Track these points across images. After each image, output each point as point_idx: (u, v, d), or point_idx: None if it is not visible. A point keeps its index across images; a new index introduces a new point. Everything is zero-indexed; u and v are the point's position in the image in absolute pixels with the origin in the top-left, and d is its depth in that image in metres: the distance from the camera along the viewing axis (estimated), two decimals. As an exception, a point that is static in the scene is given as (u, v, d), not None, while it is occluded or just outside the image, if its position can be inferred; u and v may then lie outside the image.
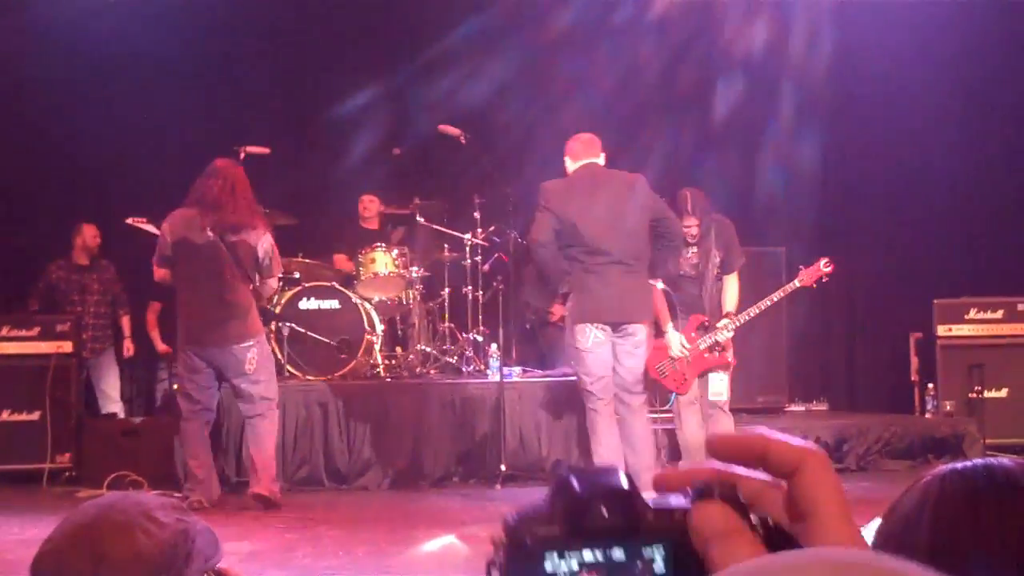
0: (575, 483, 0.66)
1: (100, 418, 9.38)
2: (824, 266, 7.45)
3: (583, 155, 7.04)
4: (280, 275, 7.81)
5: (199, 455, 7.26)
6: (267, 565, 5.69)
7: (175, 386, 8.76)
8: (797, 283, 7.48)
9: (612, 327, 6.82)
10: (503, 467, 8.15)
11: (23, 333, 8.84)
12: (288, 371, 8.68)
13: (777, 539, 0.66)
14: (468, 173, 9.47)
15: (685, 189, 7.50)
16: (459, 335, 9.65)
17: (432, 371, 9.32)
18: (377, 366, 8.99)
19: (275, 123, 10.40)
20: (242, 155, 9.05)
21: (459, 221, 9.65)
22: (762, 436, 0.68)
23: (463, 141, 8.91)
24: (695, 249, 7.47)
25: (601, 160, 7.10)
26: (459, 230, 9.55)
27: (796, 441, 0.67)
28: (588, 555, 0.65)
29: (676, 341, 7.44)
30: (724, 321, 7.45)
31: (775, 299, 7.56)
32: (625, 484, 0.66)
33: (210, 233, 7.14)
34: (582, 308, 6.83)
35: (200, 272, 7.17)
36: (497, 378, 8.62)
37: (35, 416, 8.65)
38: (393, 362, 9.18)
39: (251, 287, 7.33)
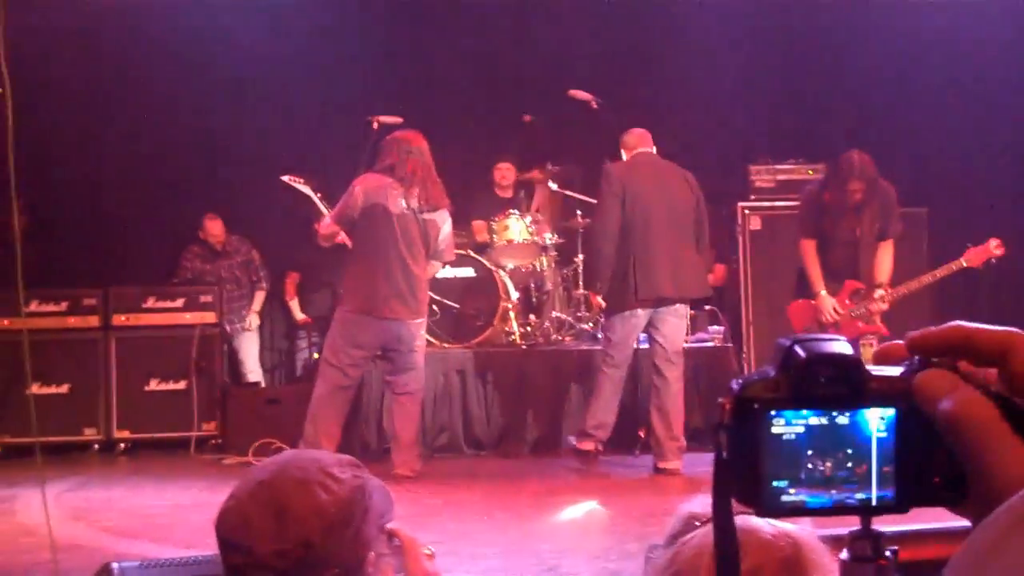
0: (800, 350, 0.68)
1: (244, 387, 9.57)
2: (995, 248, 7.16)
3: (638, 145, 7.55)
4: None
5: (331, 431, 7.13)
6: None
7: (315, 355, 8.89)
8: (964, 263, 7.22)
9: (664, 302, 7.31)
10: (641, 433, 8.08)
11: (168, 304, 9.08)
12: (426, 339, 8.72)
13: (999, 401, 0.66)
14: (600, 138, 9.36)
15: (852, 152, 7.30)
16: (594, 301, 9.57)
17: (567, 338, 9.28)
18: (513, 333, 8.99)
19: (405, 91, 10.43)
20: (375, 125, 9.10)
21: (592, 187, 9.57)
22: (959, 326, 0.68)
23: (594, 106, 8.84)
24: (856, 214, 7.27)
25: (654, 151, 7.62)
26: (592, 196, 9.46)
27: (997, 327, 0.67)
28: (812, 418, 0.68)
29: (828, 305, 7.30)
30: (880, 292, 7.26)
31: (938, 275, 7.33)
32: (849, 351, 0.69)
33: (406, 205, 7.10)
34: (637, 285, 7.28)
35: (391, 241, 7.06)
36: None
37: (182, 385, 8.88)
38: (528, 329, 9.17)
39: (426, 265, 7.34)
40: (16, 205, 4.06)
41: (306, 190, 7.75)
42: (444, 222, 7.34)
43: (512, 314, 8.97)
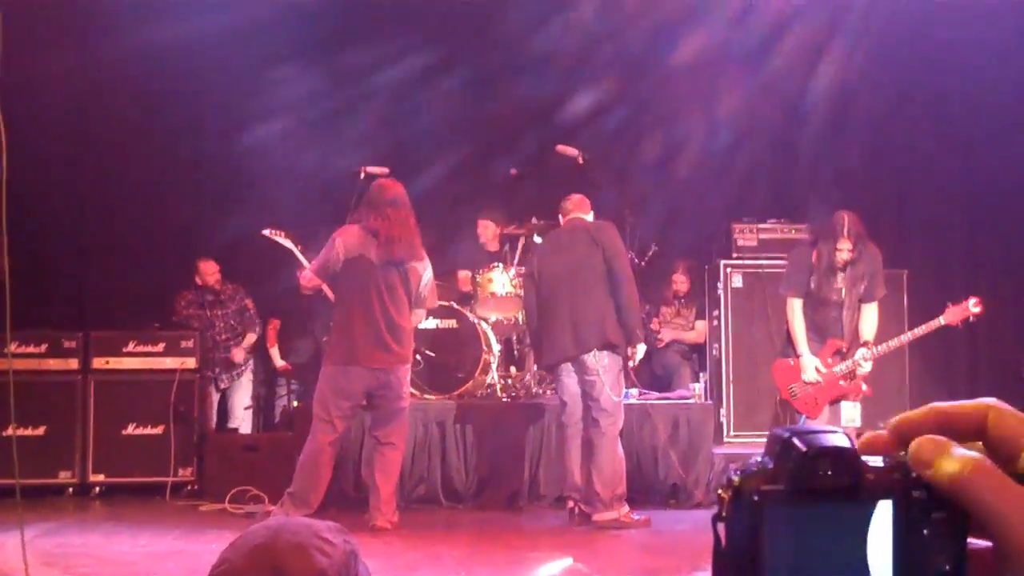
0: (799, 443, 0.68)
1: (221, 433, 9.53)
2: (973, 306, 7.26)
3: (572, 211, 7.83)
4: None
5: (319, 487, 7.09)
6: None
7: (295, 403, 8.86)
8: (942, 321, 7.31)
9: (569, 359, 7.47)
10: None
11: (149, 348, 9.05)
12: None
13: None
14: (586, 193, 9.42)
15: (842, 211, 7.38)
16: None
17: (548, 391, 9.26)
18: (493, 386, 8.99)
19: (393, 142, 10.49)
20: (362, 174, 9.15)
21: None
22: (936, 407, 0.70)
23: (581, 162, 8.90)
24: (843, 274, 7.34)
25: (589, 217, 7.87)
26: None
27: (968, 401, 0.70)
28: (811, 510, 0.68)
29: (811, 365, 7.35)
30: (863, 351, 7.32)
31: (918, 333, 7.41)
32: (847, 444, 0.68)
33: (388, 256, 7.12)
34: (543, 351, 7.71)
35: (372, 292, 7.08)
36: (615, 400, 8.54)
37: (159, 430, 8.84)
38: (509, 382, 9.17)
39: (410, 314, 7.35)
40: (4, 246, 4.05)
41: (287, 243, 7.76)
42: (425, 269, 7.37)
43: (493, 366, 8.98)
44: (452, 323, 8.92)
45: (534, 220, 9.81)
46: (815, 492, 0.68)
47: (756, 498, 0.68)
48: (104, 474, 8.78)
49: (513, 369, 9.44)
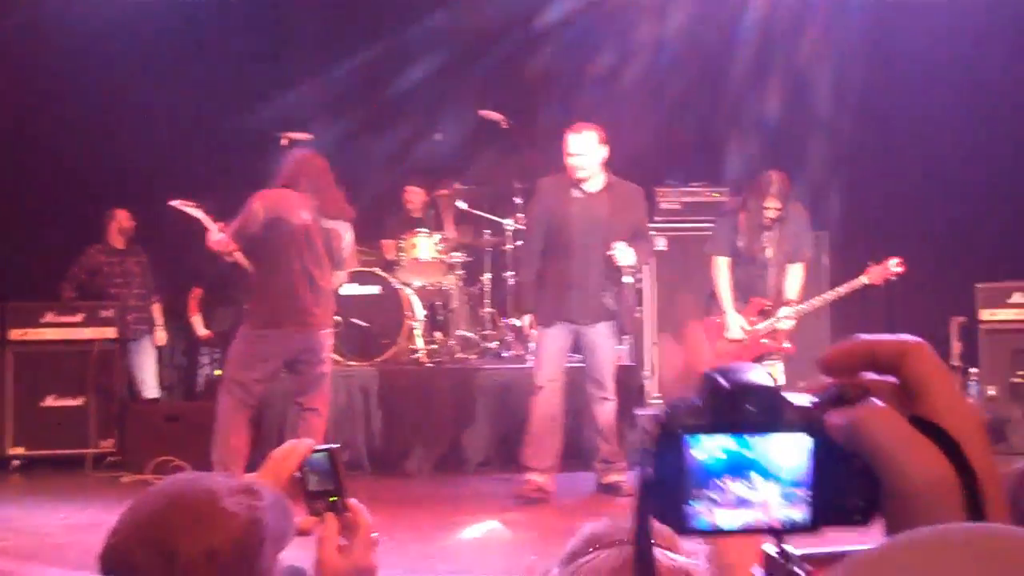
0: (721, 379, 0.72)
1: (143, 403, 9.40)
2: (895, 266, 7.38)
3: None
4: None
5: (240, 449, 6.93)
6: (310, 550, 5.69)
7: (216, 372, 8.77)
8: (864, 280, 7.42)
9: None
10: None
11: (67, 319, 8.91)
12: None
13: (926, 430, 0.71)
14: (509, 158, 9.42)
15: (771, 171, 7.43)
16: (499, 320, 9.62)
17: (473, 356, 9.30)
18: (418, 351, 8.99)
19: (314, 109, 10.38)
20: (284, 141, 9.06)
21: (500, 206, 9.62)
22: (863, 339, 0.74)
23: (504, 126, 8.90)
24: (769, 233, 7.41)
25: None
26: (500, 215, 9.51)
27: (893, 336, 0.73)
28: (731, 443, 0.72)
29: (735, 323, 7.43)
30: (785, 310, 7.41)
31: (840, 292, 7.52)
32: (768, 381, 0.72)
33: (308, 217, 7.01)
34: None
35: (295, 254, 6.94)
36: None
37: (79, 401, 8.72)
38: (434, 347, 9.17)
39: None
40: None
41: (197, 213, 7.61)
42: (346, 231, 7.28)
43: (418, 332, 8.97)
44: (376, 289, 8.88)
45: (457, 185, 9.81)
46: (735, 425, 0.71)
47: (681, 431, 0.71)
48: (24, 447, 8.64)
49: (438, 335, 9.43)
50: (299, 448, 1.92)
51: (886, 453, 0.68)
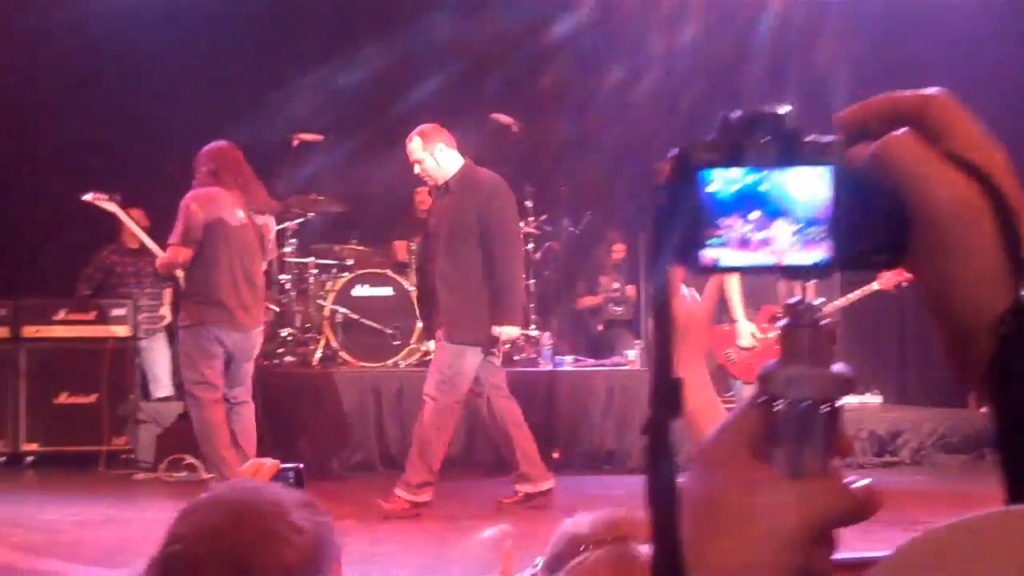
0: (736, 112, 0.69)
1: (155, 402, 9.45)
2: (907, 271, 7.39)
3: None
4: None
5: (228, 443, 7.01)
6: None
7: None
8: (876, 285, 7.43)
9: None
10: (555, 455, 8.16)
11: (80, 317, 8.95)
12: (341, 357, 8.74)
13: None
14: (519, 162, 9.45)
15: None
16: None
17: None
18: (429, 353, 9.00)
19: (327, 112, 10.43)
20: (296, 142, 9.12)
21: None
22: (885, 95, 0.71)
23: (515, 130, 8.93)
24: None
25: None
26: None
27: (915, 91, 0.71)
28: (747, 176, 0.68)
29: (747, 331, 7.45)
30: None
31: (852, 298, 7.54)
32: (784, 110, 0.69)
33: (242, 215, 7.06)
34: None
35: (234, 253, 7.00)
36: (549, 366, 8.63)
37: (92, 399, 8.75)
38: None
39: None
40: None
41: (111, 207, 7.59)
42: (272, 223, 7.39)
43: (428, 334, 9.00)
44: (388, 291, 8.92)
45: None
46: (751, 157, 0.68)
47: (695, 165, 0.69)
48: (37, 443, 8.69)
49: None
50: (265, 467, 1.84)
51: (914, 177, 0.67)
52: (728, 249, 0.69)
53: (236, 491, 1.66)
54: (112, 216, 7.89)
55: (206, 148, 7.20)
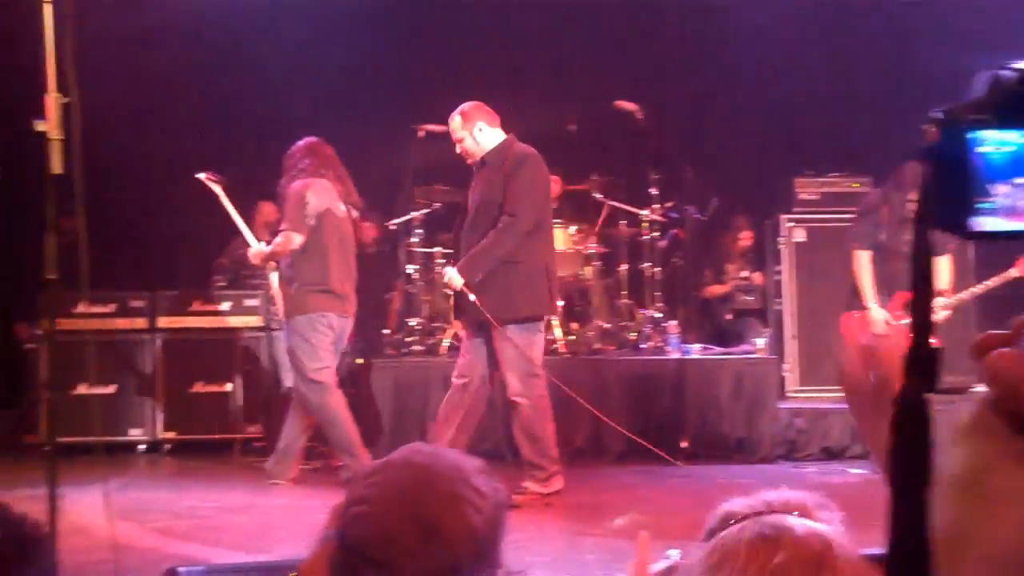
0: (1007, 72, 0.66)
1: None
2: None
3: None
4: None
5: (354, 425, 7.27)
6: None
7: (359, 360, 8.90)
8: (1015, 272, 7.24)
9: None
10: (683, 444, 8.09)
11: (214, 308, 9.17)
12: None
13: None
14: (645, 149, 9.37)
15: (914, 162, 7.28)
16: (637, 311, 9.60)
17: (610, 347, 9.29)
18: (556, 342, 9.00)
19: (450, 101, 10.47)
20: (421, 133, 9.17)
21: (636, 197, 9.59)
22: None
23: (639, 116, 8.85)
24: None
25: None
26: (636, 206, 9.49)
27: None
28: (1020, 138, 0.66)
29: (880, 319, 7.29)
30: (938, 300, 7.24)
31: (990, 285, 7.35)
32: None
33: (344, 207, 7.39)
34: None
35: (344, 243, 7.36)
36: (676, 355, 8.56)
37: (227, 388, 8.95)
38: (572, 338, 9.18)
39: None
40: (81, 210, 4.13)
41: (216, 188, 7.77)
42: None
43: (555, 323, 8.98)
44: (514, 279, 8.92)
45: (594, 176, 9.80)
46: (1021, 119, 0.66)
47: (965, 127, 0.67)
48: (174, 431, 8.92)
49: (575, 325, 9.44)
50: None
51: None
52: (998, 217, 0.67)
53: (418, 454, 1.67)
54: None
55: (302, 144, 7.46)
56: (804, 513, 1.33)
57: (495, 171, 6.79)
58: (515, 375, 6.71)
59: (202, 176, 7.75)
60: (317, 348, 7.20)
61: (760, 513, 1.34)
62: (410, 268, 9.40)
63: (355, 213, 7.52)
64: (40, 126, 3.99)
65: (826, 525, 1.33)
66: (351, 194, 7.46)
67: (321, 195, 7.25)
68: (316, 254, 7.24)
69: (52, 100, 3.96)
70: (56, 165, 3.95)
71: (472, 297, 6.58)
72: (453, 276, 6.72)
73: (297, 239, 7.17)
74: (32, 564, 1.50)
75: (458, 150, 6.97)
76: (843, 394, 7.80)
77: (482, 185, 6.83)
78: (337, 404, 7.22)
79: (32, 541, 1.53)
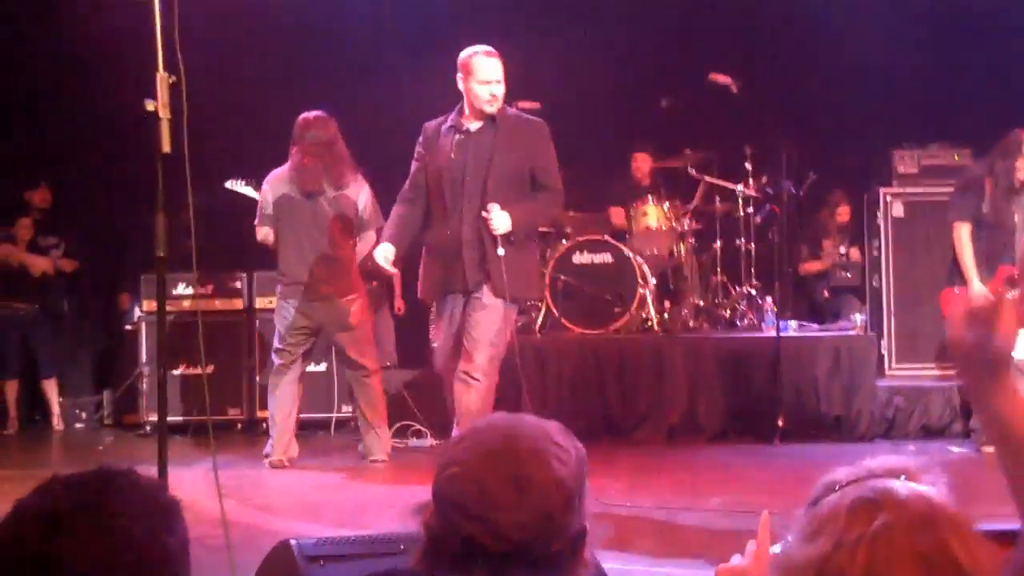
0: None
1: (383, 369, 9.64)
2: None
3: None
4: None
5: (292, 412, 7.55)
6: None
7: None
8: None
9: None
10: (780, 423, 7.99)
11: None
12: (563, 324, 8.76)
13: None
14: (740, 123, 9.24)
15: (1020, 129, 7.09)
16: (732, 288, 9.50)
17: (705, 325, 9.21)
18: (650, 320, 8.95)
19: (541, 76, 10.41)
20: (515, 109, 9.12)
21: (731, 172, 9.47)
22: None
23: (734, 90, 8.73)
24: (1018, 198, 7.08)
25: None
26: (731, 181, 9.38)
27: None
28: None
29: (980, 294, 7.12)
30: None
31: None
32: None
33: (309, 189, 7.33)
34: None
35: (292, 229, 7.38)
36: (772, 332, 8.45)
37: (323, 367, 9.02)
38: (666, 316, 9.11)
39: (352, 242, 7.46)
40: (190, 192, 4.18)
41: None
42: (358, 194, 7.44)
43: (649, 300, 8.93)
44: (607, 257, 8.89)
45: (687, 152, 9.70)
46: None
47: None
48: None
49: (668, 303, 9.37)
50: None
51: None
52: None
53: (501, 419, 1.78)
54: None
55: (297, 120, 7.49)
56: (909, 478, 1.35)
57: (510, 135, 6.22)
58: (485, 353, 6.02)
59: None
60: (278, 332, 7.55)
61: (862, 479, 1.36)
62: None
63: (336, 192, 7.37)
64: (150, 106, 4.03)
65: (933, 488, 1.34)
66: (323, 175, 7.33)
67: (275, 185, 7.41)
68: (278, 244, 7.46)
69: (161, 80, 3.99)
70: (165, 144, 3.99)
71: (501, 251, 5.89)
72: (503, 219, 5.91)
73: (259, 232, 7.50)
74: (172, 534, 1.51)
75: (491, 96, 6.27)
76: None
77: (485, 147, 6.17)
78: (277, 388, 7.55)
79: (171, 508, 1.56)
